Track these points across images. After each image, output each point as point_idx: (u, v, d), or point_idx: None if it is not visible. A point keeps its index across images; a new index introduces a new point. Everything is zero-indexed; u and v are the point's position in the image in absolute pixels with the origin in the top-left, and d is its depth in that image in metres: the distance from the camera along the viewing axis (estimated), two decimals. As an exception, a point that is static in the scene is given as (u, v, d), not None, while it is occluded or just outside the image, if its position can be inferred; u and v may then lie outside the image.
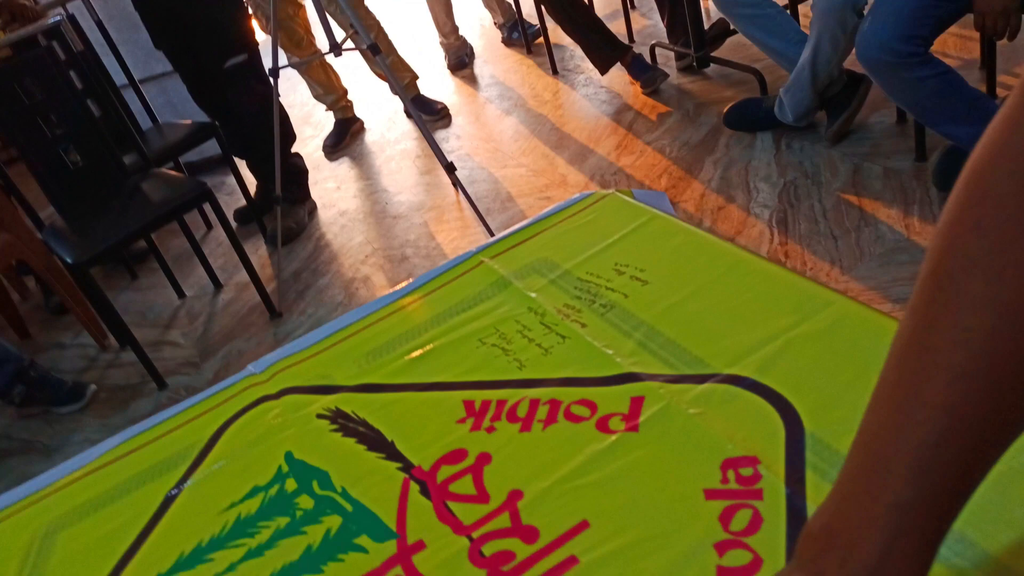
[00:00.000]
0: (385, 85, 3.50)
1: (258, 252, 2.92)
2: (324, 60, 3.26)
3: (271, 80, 2.30)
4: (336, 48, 2.24)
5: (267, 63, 2.31)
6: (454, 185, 2.47)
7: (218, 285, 2.80)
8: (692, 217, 2.30)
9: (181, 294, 2.82)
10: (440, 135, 3.32)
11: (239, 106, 2.69)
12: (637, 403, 0.67)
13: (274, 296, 2.56)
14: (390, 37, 3.31)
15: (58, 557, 0.72)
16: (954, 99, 1.80)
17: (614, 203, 0.95)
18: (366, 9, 3.13)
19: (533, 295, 0.83)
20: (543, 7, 3.32)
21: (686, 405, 0.65)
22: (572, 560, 0.56)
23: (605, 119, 3.04)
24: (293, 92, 4.12)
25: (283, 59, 2.40)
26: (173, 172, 2.57)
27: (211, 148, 3.15)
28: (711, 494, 0.57)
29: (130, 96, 2.96)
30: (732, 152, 2.55)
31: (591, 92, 3.28)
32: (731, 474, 0.58)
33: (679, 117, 2.86)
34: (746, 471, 0.58)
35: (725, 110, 2.64)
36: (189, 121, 2.91)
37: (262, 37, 2.93)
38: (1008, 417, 0.37)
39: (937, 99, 1.80)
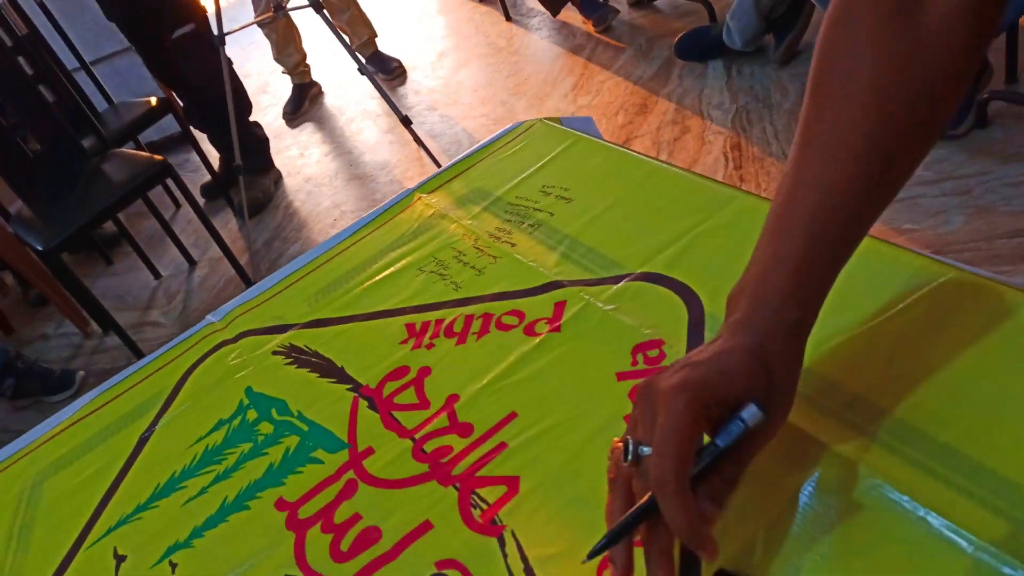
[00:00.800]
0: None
1: (228, 226, 2.95)
2: (290, 20, 3.24)
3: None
4: (279, 7, 2.24)
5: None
6: (415, 139, 2.49)
7: (192, 262, 2.84)
8: (649, 151, 2.34)
9: (157, 275, 2.86)
10: (399, 92, 3.33)
11: (192, 77, 2.69)
12: (560, 307, 0.72)
13: (248, 267, 2.60)
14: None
15: (46, 502, 0.78)
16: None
17: (541, 130, 0.99)
18: None
19: (468, 223, 0.88)
20: (489, -46, 3.30)
21: (602, 303, 0.70)
22: (502, 446, 0.62)
23: (560, 61, 3.05)
24: (247, 61, 4.10)
25: (228, 25, 2.40)
26: (132, 151, 2.58)
27: (171, 126, 3.15)
28: (622, 376, 0.63)
29: (82, 78, 2.95)
30: (685, 83, 2.58)
31: (545, 35, 3.29)
32: (640, 357, 0.64)
33: (632, 52, 2.89)
34: (652, 352, 0.64)
35: (675, 41, 2.66)
36: (145, 99, 2.91)
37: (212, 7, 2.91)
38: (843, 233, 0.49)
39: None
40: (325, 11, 2.24)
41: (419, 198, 0.96)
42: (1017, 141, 1.79)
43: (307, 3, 2.19)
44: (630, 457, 0.47)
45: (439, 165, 2.47)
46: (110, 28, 2.83)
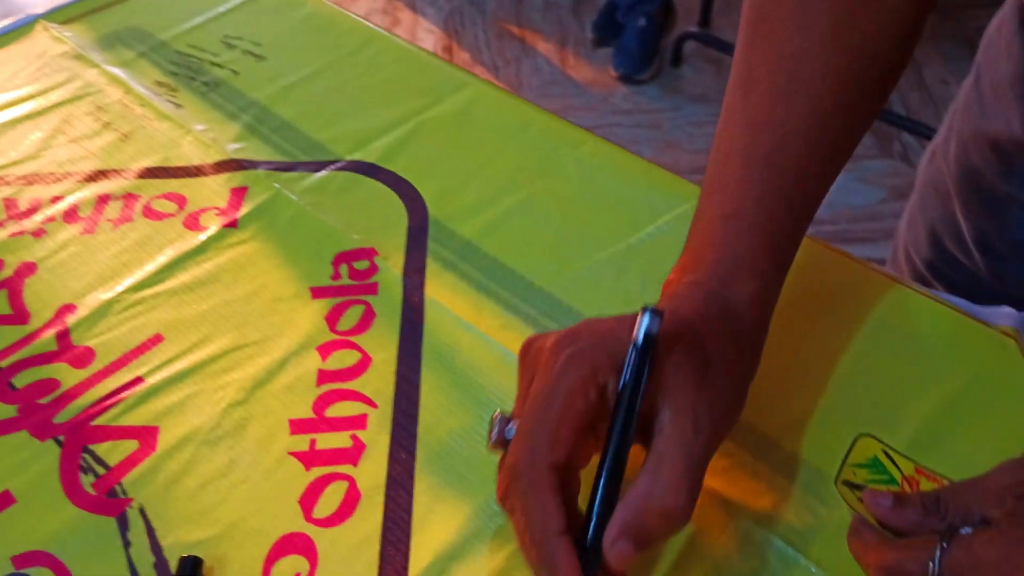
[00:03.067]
0: None
1: None
2: None
3: None
4: None
5: None
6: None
7: None
8: (356, 38, 2.12)
9: None
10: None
11: None
12: (238, 194, 0.54)
13: None
14: None
15: None
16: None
17: (230, -32, 0.77)
18: None
19: (115, 70, 0.64)
20: None
21: (298, 195, 0.54)
22: (136, 382, 0.44)
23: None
24: None
25: None
26: None
27: None
28: (318, 292, 0.48)
29: None
30: (400, -28, 2.38)
31: None
32: (344, 269, 0.49)
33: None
34: (361, 264, 0.49)
35: (393, -76, 2.43)
36: None
37: None
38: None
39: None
40: None
41: (45, 28, 0.69)
42: (705, 82, 1.90)
43: None
44: (493, 439, 0.34)
45: None
46: None
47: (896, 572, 0.33)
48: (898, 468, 0.39)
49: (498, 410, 0.35)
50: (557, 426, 0.32)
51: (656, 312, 0.32)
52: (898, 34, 0.40)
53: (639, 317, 0.32)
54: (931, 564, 0.32)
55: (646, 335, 0.32)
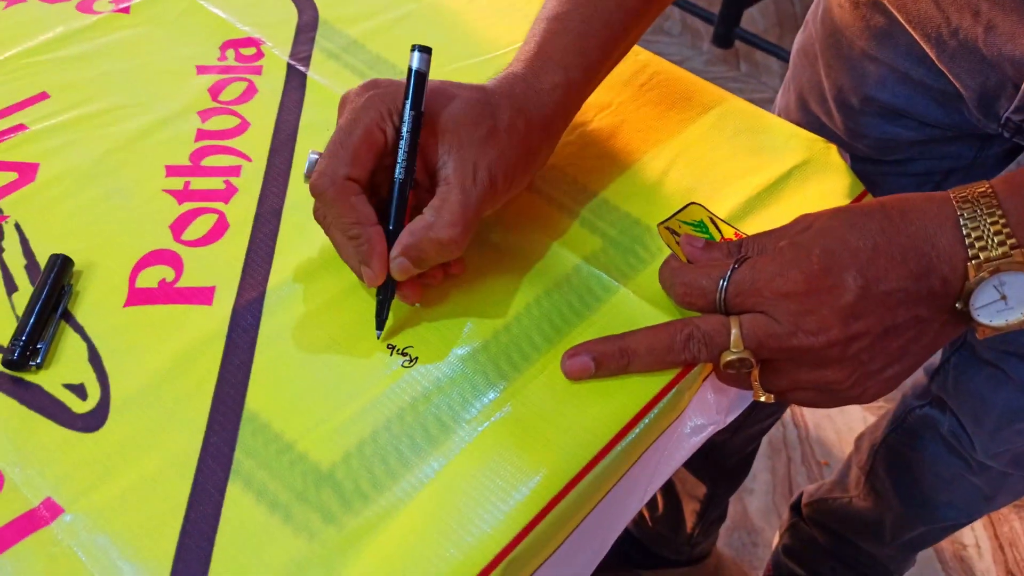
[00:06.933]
0: None
1: None
2: None
3: None
4: None
5: None
6: None
7: None
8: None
9: None
10: None
11: None
12: (132, -12, 0.56)
13: None
14: None
15: None
16: None
17: None
18: None
19: None
20: None
21: (192, -9, 0.56)
22: (19, 128, 0.46)
23: None
24: None
25: None
26: None
27: None
28: (204, 69, 0.50)
29: None
30: None
31: None
32: (231, 53, 0.51)
33: None
34: (248, 51, 0.52)
35: None
36: None
37: None
38: None
39: None
40: None
41: None
42: None
43: None
44: (306, 171, 0.38)
45: None
46: None
47: (693, 287, 0.38)
48: (719, 231, 0.44)
49: (311, 149, 0.39)
50: (356, 148, 0.36)
51: (423, 49, 0.38)
52: None
53: (410, 54, 0.37)
54: (721, 281, 0.37)
55: (417, 69, 0.37)
